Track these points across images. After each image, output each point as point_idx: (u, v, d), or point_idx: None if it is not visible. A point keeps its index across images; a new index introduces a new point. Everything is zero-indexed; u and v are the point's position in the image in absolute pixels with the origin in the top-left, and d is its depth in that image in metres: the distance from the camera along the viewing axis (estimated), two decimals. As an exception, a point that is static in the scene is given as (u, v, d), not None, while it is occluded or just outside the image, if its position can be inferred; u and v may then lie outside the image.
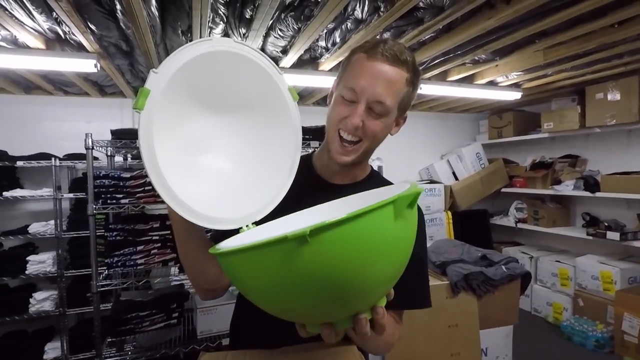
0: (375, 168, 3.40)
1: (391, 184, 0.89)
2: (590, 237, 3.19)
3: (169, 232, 1.77)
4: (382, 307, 0.51)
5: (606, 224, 3.11)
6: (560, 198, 3.74)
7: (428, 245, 3.27)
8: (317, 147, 1.28)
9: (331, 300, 0.44)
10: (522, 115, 4.08)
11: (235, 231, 0.64)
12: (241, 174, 0.67)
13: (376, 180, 0.89)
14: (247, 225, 0.63)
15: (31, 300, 2.61)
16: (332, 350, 0.64)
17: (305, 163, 0.85)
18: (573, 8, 1.78)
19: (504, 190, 4.12)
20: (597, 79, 3.08)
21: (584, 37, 2.20)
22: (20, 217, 2.91)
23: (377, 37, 2.03)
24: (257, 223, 0.65)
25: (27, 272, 2.59)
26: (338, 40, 2.14)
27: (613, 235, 3.01)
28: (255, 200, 0.66)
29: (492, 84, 3.17)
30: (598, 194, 3.16)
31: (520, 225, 3.91)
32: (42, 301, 2.63)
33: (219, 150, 0.66)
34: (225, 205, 0.62)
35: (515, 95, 3.35)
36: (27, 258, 2.61)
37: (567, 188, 3.42)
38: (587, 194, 3.23)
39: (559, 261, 3.39)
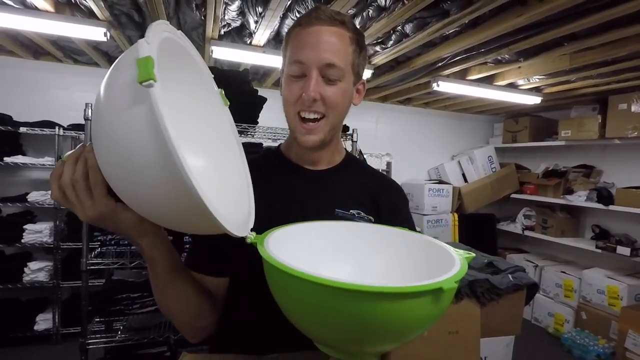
0: (384, 164, 3.27)
1: (370, 168, 0.89)
2: (599, 250, 3.11)
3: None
4: None
5: (617, 238, 3.02)
6: (571, 208, 3.64)
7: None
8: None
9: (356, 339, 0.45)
10: (539, 121, 3.96)
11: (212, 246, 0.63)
12: (212, 172, 0.61)
13: (355, 165, 0.85)
14: (250, 234, 0.54)
15: (26, 269, 2.60)
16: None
17: (276, 157, 0.81)
18: (609, 11, 1.68)
19: (513, 196, 4.03)
20: (622, 88, 2.96)
21: (615, 43, 2.09)
22: (20, 184, 2.87)
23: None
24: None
25: (23, 240, 2.56)
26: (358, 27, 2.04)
27: (623, 250, 2.93)
28: (231, 202, 0.58)
29: (512, 86, 3.06)
30: (611, 207, 3.07)
31: (527, 233, 3.82)
32: (37, 271, 2.61)
33: (188, 143, 0.58)
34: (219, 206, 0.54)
35: (535, 100, 3.23)
36: (25, 227, 2.59)
37: (579, 198, 3.33)
38: (600, 206, 3.13)
39: (564, 272, 3.31)
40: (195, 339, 0.70)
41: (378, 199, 0.78)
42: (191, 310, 0.66)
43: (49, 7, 1.89)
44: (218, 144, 0.64)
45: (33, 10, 1.91)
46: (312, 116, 0.68)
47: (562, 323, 3.22)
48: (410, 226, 0.79)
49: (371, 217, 0.75)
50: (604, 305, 2.95)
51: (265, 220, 0.58)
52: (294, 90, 0.67)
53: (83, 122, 2.69)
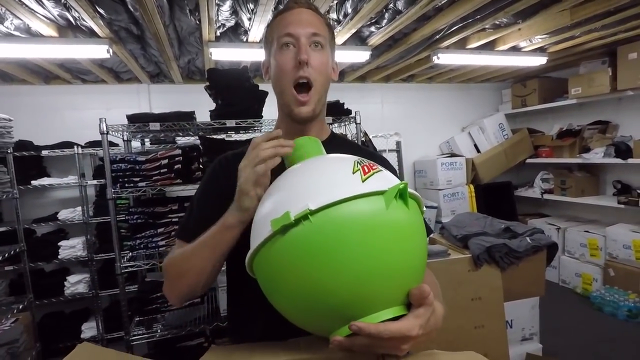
0: (394, 144, 3.29)
1: (354, 142, 0.97)
2: (622, 206, 3.06)
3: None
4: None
5: (639, 191, 2.96)
6: (589, 166, 3.57)
7: (449, 219, 3.19)
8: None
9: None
10: (548, 82, 3.87)
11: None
12: None
13: (340, 140, 0.92)
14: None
15: (65, 283, 2.75)
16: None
17: None
18: (604, -42, 1.64)
19: (529, 161, 3.97)
20: (630, 37, 2.86)
21: (616, -10, 2.03)
22: (49, 205, 3.03)
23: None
24: None
25: (59, 256, 2.71)
26: (350, 10, 2.06)
27: (647, 203, 2.87)
28: None
29: (514, 49, 3.00)
30: (630, 161, 3.00)
31: (546, 196, 3.78)
32: (76, 284, 2.77)
33: None
34: None
35: (540, 61, 3.17)
36: (59, 243, 2.73)
37: (596, 156, 3.26)
38: (619, 160, 3.07)
39: (587, 231, 3.27)
40: (181, 303, 0.78)
41: None
42: (207, 272, 0.70)
43: (53, 32, 1.98)
44: None
45: (38, 37, 2.00)
46: (305, 77, 0.74)
47: (590, 282, 3.20)
48: None
49: None
50: (632, 260, 2.91)
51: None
52: (287, 59, 0.74)
53: (98, 139, 2.84)
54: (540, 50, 3.09)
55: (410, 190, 0.50)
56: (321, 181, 0.51)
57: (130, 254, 1.74)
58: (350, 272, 0.44)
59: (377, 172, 0.52)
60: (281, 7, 1.91)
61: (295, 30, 0.73)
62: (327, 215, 0.45)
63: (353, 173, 0.50)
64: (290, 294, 0.48)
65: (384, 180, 0.51)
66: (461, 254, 1.91)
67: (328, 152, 0.67)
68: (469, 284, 1.86)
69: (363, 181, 0.48)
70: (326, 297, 0.45)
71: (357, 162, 0.53)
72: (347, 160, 0.54)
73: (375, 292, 0.46)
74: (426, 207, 3.47)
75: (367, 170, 0.51)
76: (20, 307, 2.22)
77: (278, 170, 0.62)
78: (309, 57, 0.72)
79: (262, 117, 1.94)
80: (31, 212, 2.93)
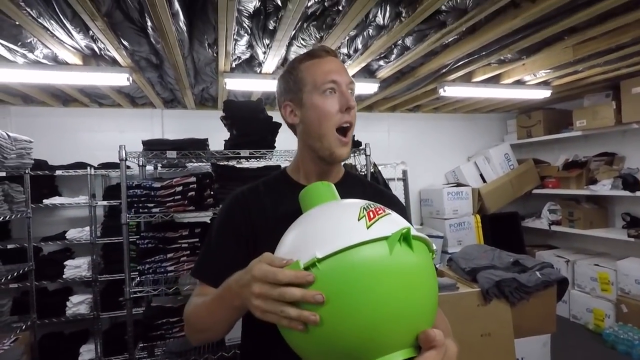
0: (400, 173, 3.33)
1: (366, 179, 0.99)
2: (632, 239, 3.03)
3: (197, 239, 1.82)
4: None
5: (648, 226, 2.95)
6: (597, 198, 3.56)
7: (455, 249, 3.18)
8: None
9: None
10: (553, 113, 3.93)
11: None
12: None
13: (353, 178, 0.94)
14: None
15: (68, 303, 2.75)
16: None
17: (285, 179, 0.88)
18: (603, 2, 1.71)
19: (535, 191, 3.98)
20: (633, 72, 2.93)
21: (616, 30, 2.10)
22: (58, 224, 3.07)
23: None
24: None
25: (64, 276, 2.73)
26: (360, 46, 2.14)
27: (657, 238, 2.84)
28: None
29: (519, 83, 3.08)
30: (639, 193, 3.00)
31: (554, 228, 3.75)
32: (78, 304, 2.76)
33: None
34: None
35: (544, 94, 3.23)
36: (65, 263, 2.75)
37: (604, 188, 3.26)
38: (627, 193, 3.07)
39: (598, 265, 3.23)
40: (200, 344, 0.79)
41: None
42: (226, 329, 0.73)
43: (78, 61, 2.08)
44: None
45: (64, 65, 2.10)
46: (348, 124, 0.79)
47: (602, 318, 3.12)
48: None
49: None
50: (644, 296, 2.86)
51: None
52: (332, 104, 0.78)
53: (111, 160, 2.92)
54: (544, 83, 3.16)
55: (417, 233, 0.52)
56: (329, 230, 0.53)
57: (139, 278, 1.75)
58: (359, 316, 0.46)
59: (383, 216, 0.54)
60: (297, 45, 2.01)
61: (338, 78, 0.78)
62: (333, 263, 0.48)
63: (359, 220, 0.53)
64: (302, 336, 0.50)
65: (390, 224, 0.53)
66: (470, 287, 1.90)
67: (341, 192, 0.71)
68: (478, 319, 1.84)
69: (368, 227, 0.51)
70: (336, 341, 0.47)
71: (364, 207, 0.55)
72: (355, 206, 0.57)
73: (383, 335, 0.47)
74: (432, 236, 3.46)
75: (372, 216, 0.53)
76: (24, 326, 2.20)
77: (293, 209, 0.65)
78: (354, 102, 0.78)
79: (274, 147, 1.99)
80: (39, 230, 2.96)
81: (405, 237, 0.50)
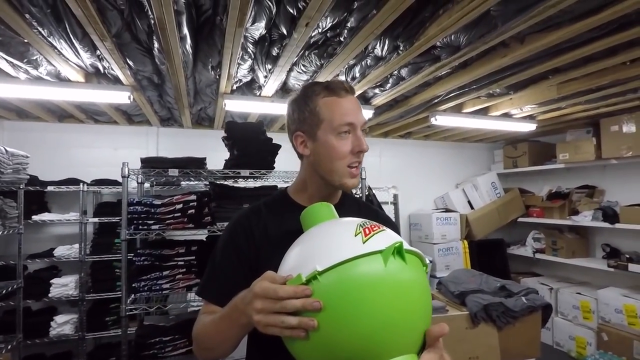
0: (391, 196, 3.40)
1: (362, 201, 1.04)
2: (612, 269, 3.13)
3: (193, 257, 1.82)
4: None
5: (627, 256, 3.06)
6: (579, 228, 3.69)
7: (443, 274, 3.23)
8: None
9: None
10: (537, 146, 4.10)
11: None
12: None
13: (350, 200, 0.98)
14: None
15: (52, 323, 2.66)
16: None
17: (286, 200, 0.92)
18: (584, 48, 1.85)
19: (520, 219, 4.09)
20: (612, 111, 3.11)
21: (596, 73, 2.26)
22: (45, 240, 3.00)
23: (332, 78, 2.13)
24: None
25: (50, 295, 2.65)
26: (357, 75, 2.24)
27: (635, 268, 2.95)
28: None
29: (506, 115, 3.23)
30: (617, 225, 3.13)
31: (538, 256, 3.84)
32: (63, 324, 2.68)
33: None
34: None
35: (529, 127, 3.39)
36: (51, 281, 2.67)
37: (585, 219, 3.39)
38: (607, 225, 3.19)
39: (580, 293, 3.31)
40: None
41: None
42: (233, 347, 0.76)
43: (80, 78, 2.12)
44: None
45: (66, 82, 2.13)
46: (358, 163, 0.84)
47: (584, 346, 3.18)
48: None
49: None
50: (624, 325, 2.93)
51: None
52: (346, 146, 0.82)
53: (104, 177, 2.91)
54: (530, 117, 3.33)
55: (410, 247, 0.57)
56: (329, 245, 0.59)
57: (133, 296, 1.74)
58: (356, 323, 0.50)
59: (378, 232, 0.59)
60: (298, 70, 2.10)
61: (355, 120, 0.81)
62: (332, 275, 0.52)
63: (355, 236, 0.58)
64: (304, 345, 0.54)
65: (385, 239, 0.57)
66: (459, 310, 1.94)
67: (340, 212, 0.76)
68: (467, 342, 1.87)
69: (364, 242, 0.56)
70: (338, 349, 0.51)
71: (360, 225, 0.61)
72: (352, 224, 0.62)
73: (383, 342, 0.50)
74: (421, 260, 3.50)
75: (368, 232, 0.59)
76: (9, 347, 2.12)
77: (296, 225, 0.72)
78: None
79: (274, 168, 2.04)
80: (26, 247, 2.89)
81: (398, 250, 0.54)
